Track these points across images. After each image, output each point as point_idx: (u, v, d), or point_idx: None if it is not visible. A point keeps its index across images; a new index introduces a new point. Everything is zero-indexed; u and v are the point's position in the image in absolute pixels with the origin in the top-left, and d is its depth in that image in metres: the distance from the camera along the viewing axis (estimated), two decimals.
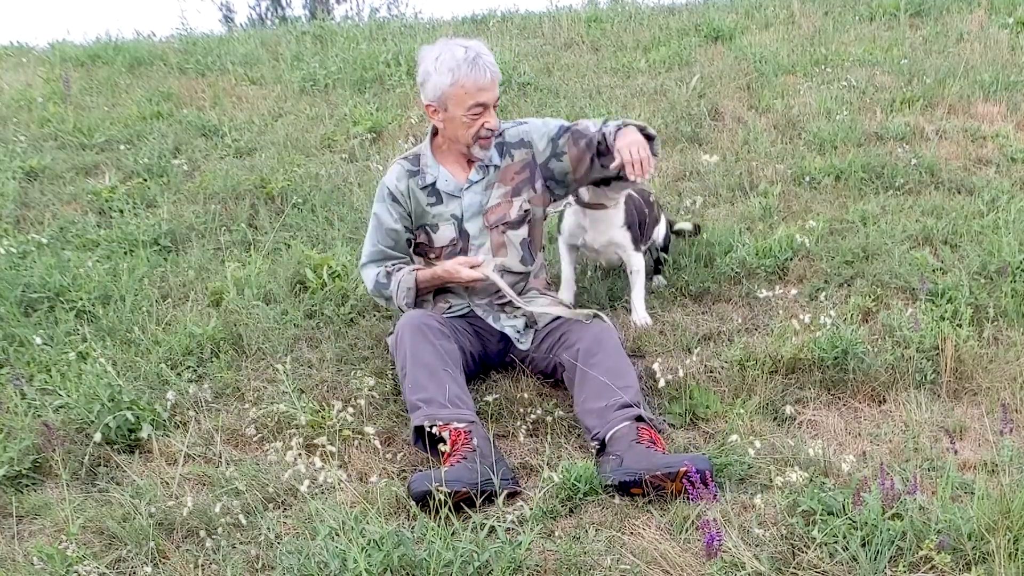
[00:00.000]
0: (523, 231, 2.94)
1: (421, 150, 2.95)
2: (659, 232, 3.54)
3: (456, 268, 2.81)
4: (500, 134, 2.92)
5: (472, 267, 2.82)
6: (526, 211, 2.93)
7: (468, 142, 2.82)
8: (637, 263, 3.26)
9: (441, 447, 2.39)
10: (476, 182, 2.90)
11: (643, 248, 3.35)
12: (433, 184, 2.89)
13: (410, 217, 2.93)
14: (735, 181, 4.39)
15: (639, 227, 3.29)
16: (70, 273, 3.59)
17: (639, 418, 2.48)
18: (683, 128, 5.06)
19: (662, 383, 2.64)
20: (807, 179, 4.34)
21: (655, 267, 3.60)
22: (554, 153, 2.92)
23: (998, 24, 6.50)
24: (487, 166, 2.90)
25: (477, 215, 2.90)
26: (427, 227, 2.92)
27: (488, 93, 2.75)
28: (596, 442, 2.50)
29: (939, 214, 3.87)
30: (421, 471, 2.40)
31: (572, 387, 2.70)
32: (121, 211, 4.35)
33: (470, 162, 2.90)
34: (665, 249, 3.60)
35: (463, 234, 2.90)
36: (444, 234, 2.91)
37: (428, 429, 2.49)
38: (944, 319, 2.97)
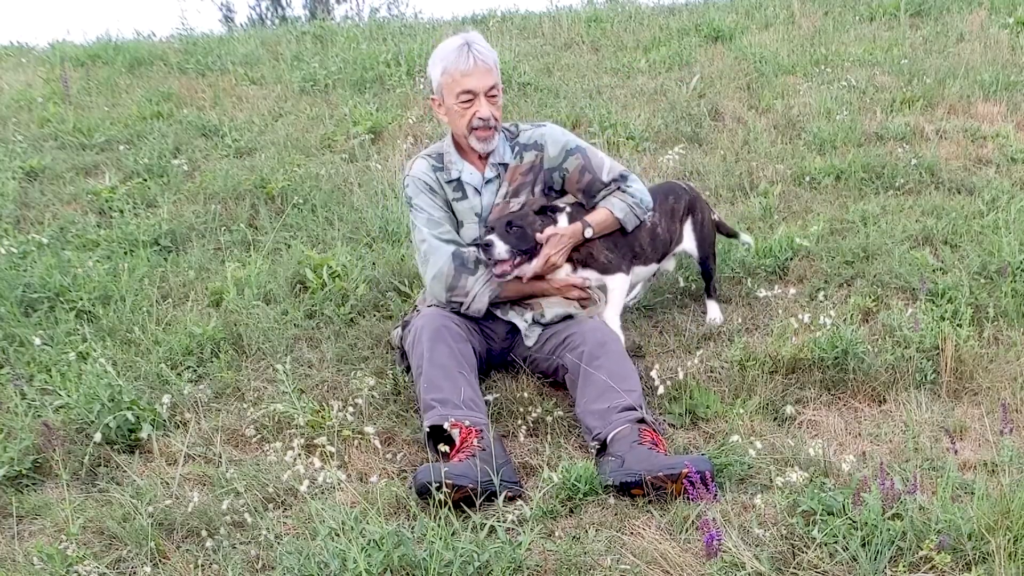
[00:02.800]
0: None
1: (443, 149, 2.95)
2: (686, 244, 3.20)
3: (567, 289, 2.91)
4: (515, 135, 2.94)
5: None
6: None
7: (465, 133, 2.84)
8: (612, 283, 2.96)
9: (442, 447, 2.39)
10: (490, 180, 2.92)
11: (629, 267, 3.00)
12: (458, 179, 2.91)
13: (448, 205, 2.93)
14: (735, 181, 4.39)
15: (632, 247, 3.01)
16: (70, 273, 3.59)
17: (641, 420, 2.48)
18: (683, 128, 5.06)
19: (660, 391, 2.64)
20: (807, 179, 4.34)
21: (706, 288, 3.31)
22: (560, 166, 2.95)
23: (998, 24, 6.50)
24: (499, 164, 2.91)
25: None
26: (456, 221, 2.94)
27: (473, 79, 2.75)
28: (596, 443, 2.50)
29: (939, 214, 3.87)
30: (427, 464, 2.40)
31: (574, 389, 2.70)
32: (121, 211, 4.35)
33: (484, 160, 2.91)
34: (707, 260, 3.25)
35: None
36: (468, 232, 2.92)
37: (428, 430, 2.49)
38: (944, 319, 2.97)
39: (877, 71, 5.78)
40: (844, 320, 2.98)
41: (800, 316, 2.92)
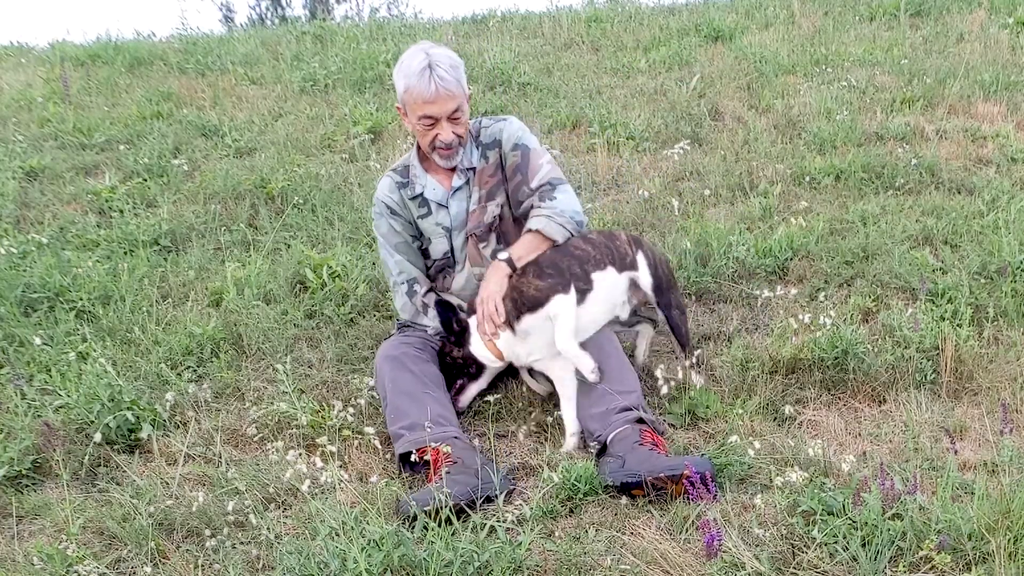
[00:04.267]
0: (492, 241, 2.88)
1: (409, 160, 2.92)
2: (641, 271, 2.78)
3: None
4: (477, 134, 2.88)
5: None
6: (495, 216, 2.87)
7: (428, 149, 2.81)
8: (553, 308, 2.63)
9: (421, 458, 2.40)
10: (459, 188, 2.86)
11: (568, 286, 2.64)
12: (421, 194, 2.87)
13: (412, 225, 2.91)
14: (735, 181, 4.39)
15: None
16: (70, 273, 3.59)
17: (640, 420, 2.48)
18: (683, 128, 5.06)
19: (664, 391, 2.64)
20: (807, 179, 4.34)
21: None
22: (506, 164, 2.86)
23: (998, 24, 6.50)
24: (469, 169, 2.86)
25: (463, 225, 2.87)
26: (423, 238, 2.92)
27: (434, 107, 2.67)
28: (597, 444, 2.49)
29: (939, 214, 3.87)
30: (405, 497, 2.32)
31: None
32: (121, 211, 4.35)
33: (451, 170, 2.86)
34: (668, 307, 2.80)
35: (451, 246, 2.89)
36: (437, 247, 2.90)
37: (412, 457, 2.48)
38: (944, 319, 2.96)
39: (877, 71, 5.78)
40: (844, 320, 2.98)
41: (800, 316, 2.92)
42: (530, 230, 2.71)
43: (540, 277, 2.62)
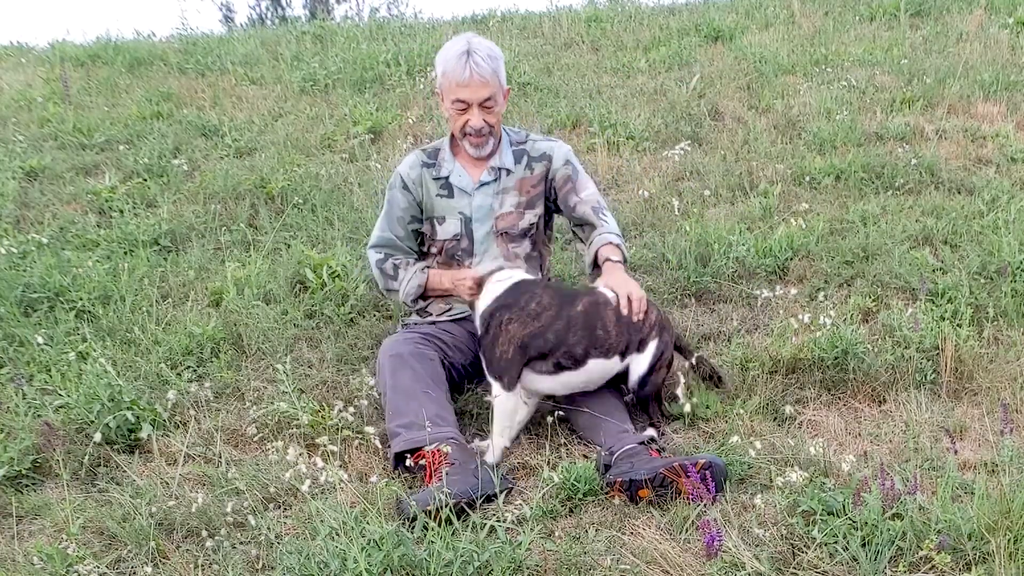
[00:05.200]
0: (526, 245, 2.95)
1: (441, 144, 2.97)
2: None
3: (461, 284, 2.80)
4: (523, 142, 2.94)
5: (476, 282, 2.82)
6: (532, 224, 2.94)
7: (458, 135, 2.87)
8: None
9: (416, 463, 2.39)
10: (486, 183, 2.90)
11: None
12: (447, 177, 2.91)
13: (420, 207, 2.94)
14: (735, 181, 4.39)
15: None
16: (70, 273, 3.59)
17: (651, 442, 2.50)
18: (683, 128, 5.06)
19: (687, 409, 2.62)
20: (807, 179, 4.34)
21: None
22: (555, 177, 2.94)
23: (998, 24, 6.50)
24: (499, 168, 2.91)
25: (486, 218, 2.91)
26: (434, 219, 2.94)
27: (468, 91, 2.75)
28: (606, 455, 2.46)
29: (939, 214, 3.87)
30: (405, 498, 2.33)
31: (576, 424, 2.69)
32: (121, 211, 4.35)
33: (482, 161, 2.91)
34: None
35: (468, 233, 2.91)
36: (448, 228, 2.92)
37: (407, 462, 2.45)
38: (944, 319, 2.97)
39: (877, 71, 5.79)
40: (844, 320, 2.98)
41: (800, 316, 2.92)
42: (611, 243, 2.81)
43: (521, 342, 2.54)
